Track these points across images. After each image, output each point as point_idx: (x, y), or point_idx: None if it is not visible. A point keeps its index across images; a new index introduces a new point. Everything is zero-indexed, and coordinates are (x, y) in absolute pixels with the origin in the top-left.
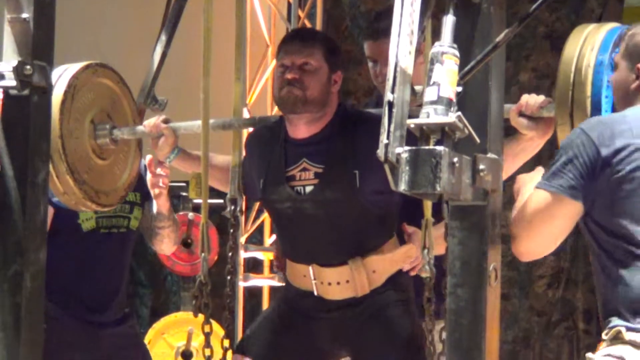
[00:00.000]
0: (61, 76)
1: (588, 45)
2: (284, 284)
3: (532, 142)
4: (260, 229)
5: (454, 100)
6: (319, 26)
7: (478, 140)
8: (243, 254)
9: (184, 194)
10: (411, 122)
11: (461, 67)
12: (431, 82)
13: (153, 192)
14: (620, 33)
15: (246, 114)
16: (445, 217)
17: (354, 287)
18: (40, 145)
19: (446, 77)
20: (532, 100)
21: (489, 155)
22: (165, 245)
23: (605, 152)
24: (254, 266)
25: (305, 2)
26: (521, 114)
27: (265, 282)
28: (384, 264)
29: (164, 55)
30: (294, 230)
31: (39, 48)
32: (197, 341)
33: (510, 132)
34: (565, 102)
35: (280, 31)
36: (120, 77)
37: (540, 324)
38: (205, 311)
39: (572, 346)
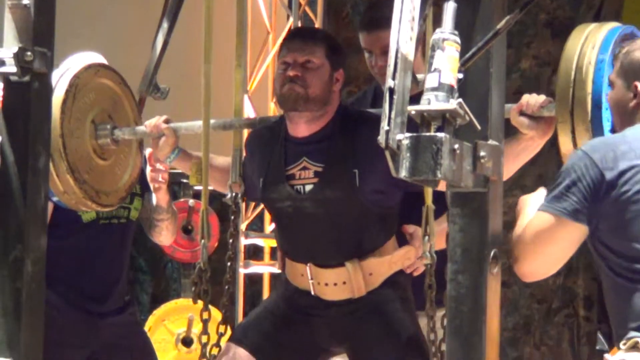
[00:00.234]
0: (62, 76)
1: (589, 43)
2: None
3: (532, 142)
4: (260, 216)
5: (455, 87)
6: (319, 13)
7: (479, 127)
8: (244, 241)
9: (185, 180)
10: (412, 109)
11: (462, 53)
12: (432, 69)
13: (152, 186)
14: (622, 34)
15: (247, 101)
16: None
17: (351, 288)
18: (41, 131)
19: (447, 64)
20: (532, 99)
21: (490, 142)
22: (164, 237)
23: (609, 175)
24: (254, 253)
25: None
26: (522, 113)
27: (265, 269)
28: (382, 266)
29: (165, 44)
30: (294, 229)
31: (39, 34)
32: (198, 328)
33: (510, 132)
34: (565, 100)
35: (281, 18)
36: (121, 78)
37: (541, 311)
38: (204, 298)
39: (572, 333)
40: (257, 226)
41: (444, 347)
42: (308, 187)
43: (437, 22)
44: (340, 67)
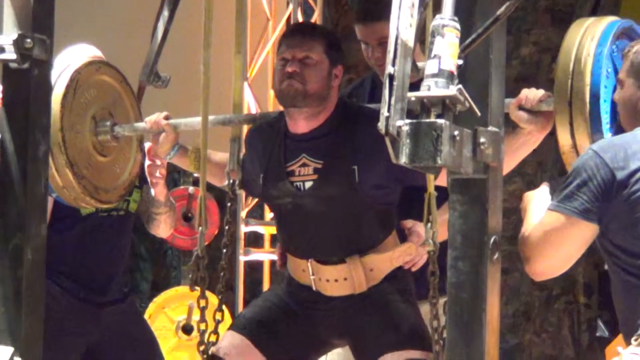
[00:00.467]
0: (64, 71)
1: (588, 35)
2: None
3: (531, 136)
4: (261, 204)
5: (455, 73)
6: (319, 1)
7: (479, 113)
8: (244, 228)
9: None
10: (412, 95)
11: (462, 40)
12: (432, 55)
13: (150, 180)
14: (621, 27)
15: (246, 88)
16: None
17: (352, 284)
18: (41, 119)
19: (447, 50)
20: (531, 94)
21: (490, 128)
22: (162, 231)
23: (620, 175)
24: (254, 240)
25: None
26: (521, 108)
27: (265, 256)
28: (383, 262)
29: (166, 32)
30: (294, 226)
31: (39, 21)
32: (198, 315)
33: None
34: (564, 91)
35: (280, 5)
36: (122, 75)
37: (541, 297)
38: (201, 285)
39: (572, 320)
40: (257, 214)
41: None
42: (308, 184)
43: (437, 8)
44: (339, 64)
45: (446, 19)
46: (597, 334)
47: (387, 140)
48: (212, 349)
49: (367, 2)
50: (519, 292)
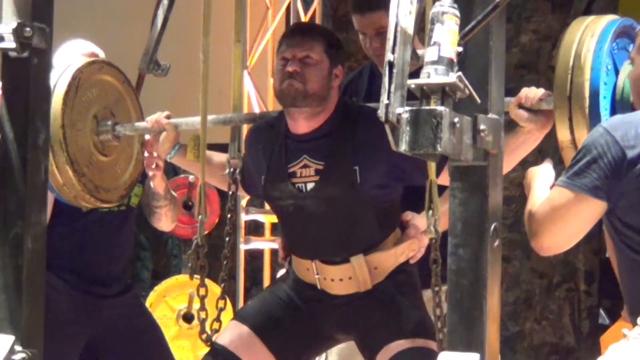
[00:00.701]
0: (66, 70)
1: (588, 32)
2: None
3: (531, 135)
4: None
5: (455, 60)
6: None
7: (479, 101)
8: (244, 217)
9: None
10: (412, 82)
11: (462, 27)
12: (432, 42)
13: (148, 173)
14: (621, 25)
15: (246, 77)
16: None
17: (357, 283)
18: (41, 107)
19: (447, 37)
20: (531, 92)
21: (490, 115)
22: (163, 224)
23: (630, 153)
24: (254, 229)
25: None
26: (520, 106)
27: (266, 244)
28: (387, 260)
29: (165, 20)
30: (297, 227)
31: (38, 10)
32: (199, 304)
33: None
34: (563, 86)
35: None
36: (125, 76)
37: (542, 285)
38: (201, 273)
39: (573, 307)
40: (257, 202)
41: None
42: (310, 185)
43: None
44: (339, 63)
45: (446, 6)
46: (599, 322)
47: (387, 128)
48: (217, 340)
49: None
50: (519, 279)
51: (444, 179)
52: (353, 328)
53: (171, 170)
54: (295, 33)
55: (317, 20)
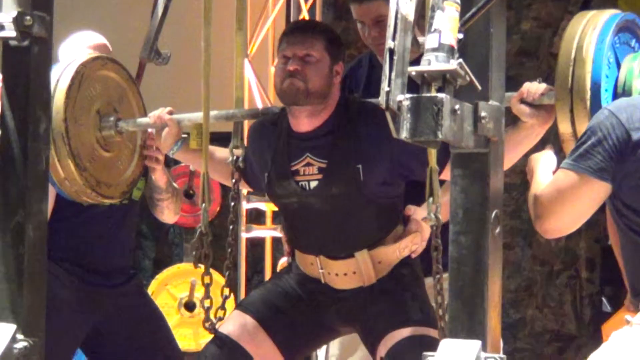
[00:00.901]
0: (70, 64)
1: (590, 25)
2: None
3: (533, 130)
4: None
5: (455, 47)
6: None
7: (480, 88)
8: (245, 205)
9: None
10: (412, 70)
11: (462, 14)
12: (432, 30)
13: (149, 166)
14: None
15: (247, 65)
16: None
17: (361, 277)
18: (42, 96)
19: (447, 24)
20: (533, 87)
21: (491, 102)
22: (166, 216)
23: (635, 135)
24: (256, 217)
25: None
26: (522, 101)
27: (267, 232)
28: (391, 254)
29: (166, 9)
30: (301, 223)
31: None
32: (200, 292)
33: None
34: (565, 78)
35: None
36: (129, 73)
37: (543, 272)
38: (205, 262)
39: (574, 295)
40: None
41: None
42: (313, 184)
43: None
44: (339, 60)
45: None
46: (603, 310)
47: (388, 115)
48: (220, 329)
49: None
50: (520, 267)
51: (447, 175)
52: (356, 320)
53: (172, 160)
54: (296, 31)
55: (318, 9)
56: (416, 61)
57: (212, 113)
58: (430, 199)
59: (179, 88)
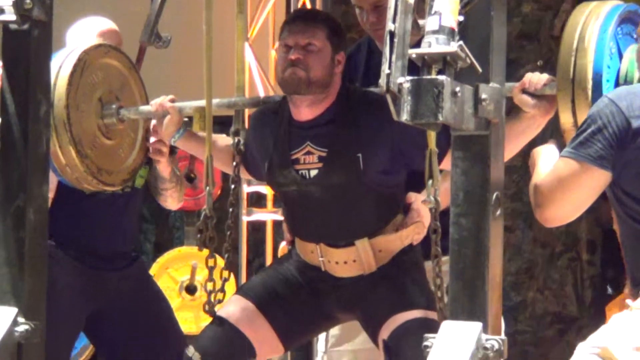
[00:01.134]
0: (73, 51)
1: (593, 16)
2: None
3: (534, 121)
4: None
5: (456, 29)
6: None
7: (480, 70)
8: (246, 189)
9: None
10: (413, 52)
11: None
12: (432, 12)
13: (153, 157)
14: (626, 10)
15: (247, 48)
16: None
17: (362, 266)
18: (42, 79)
19: (448, 6)
20: (535, 77)
21: (491, 84)
22: (169, 204)
23: (635, 123)
24: (257, 201)
25: None
26: (524, 91)
27: (268, 216)
28: (393, 243)
29: None
30: (301, 212)
31: None
32: (201, 275)
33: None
34: (567, 68)
35: None
36: (131, 62)
37: (544, 255)
38: (210, 245)
39: (575, 277)
40: None
41: None
42: (313, 172)
43: None
44: (341, 49)
45: None
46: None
47: (388, 98)
48: (220, 312)
49: None
50: (521, 249)
51: (447, 164)
52: (356, 307)
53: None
54: (298, 19)
55: None
56: (417, 44)
57: (214, 101)
58: (430, 182)
59: (180, 73)
